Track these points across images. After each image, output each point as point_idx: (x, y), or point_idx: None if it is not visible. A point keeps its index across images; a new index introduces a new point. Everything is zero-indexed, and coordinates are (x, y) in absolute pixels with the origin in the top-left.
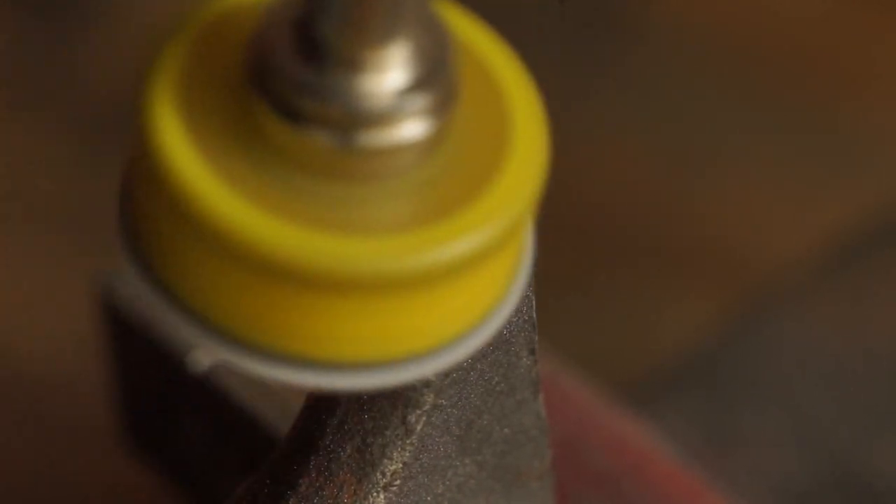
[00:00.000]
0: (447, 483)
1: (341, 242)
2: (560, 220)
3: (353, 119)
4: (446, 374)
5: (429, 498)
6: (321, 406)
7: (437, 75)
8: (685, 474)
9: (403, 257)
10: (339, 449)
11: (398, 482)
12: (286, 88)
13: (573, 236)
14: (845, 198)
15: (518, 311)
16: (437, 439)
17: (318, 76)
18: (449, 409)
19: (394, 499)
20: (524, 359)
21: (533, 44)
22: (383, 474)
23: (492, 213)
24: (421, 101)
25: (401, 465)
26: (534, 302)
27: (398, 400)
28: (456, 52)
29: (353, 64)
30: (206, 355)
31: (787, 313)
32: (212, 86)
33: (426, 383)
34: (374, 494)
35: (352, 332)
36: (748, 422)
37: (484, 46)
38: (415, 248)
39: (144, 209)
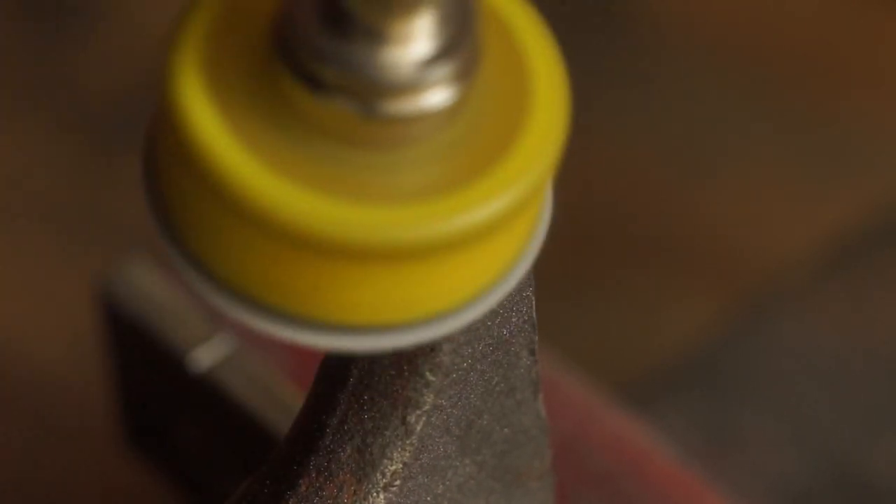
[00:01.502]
0: (447, 483)
1: (364, 210)
2: (560, 219)
3: (377, 88)
4: (446, 374)
5: (429, 498)
6: (321, 406)
7: (461, 43)
8: (685, 474)
9: (425, 224)
10: (339, 449)
11: (398, 482)
12: (311, 57)
13: (573, 236)
14: (845, 198)
15: (518, 311)
16: (437, 439)
17: (342, 46)
18: (449, 409)
19: (394, 499)
20: (524, 359)
21: None
22: (383, 474)
23: (512, 178)
24: (444, 70)
25: (401, 466)
26: (534, 302)
27: (398, 400)
28: (479, 18)
29: (377, 34)
30: (232, 319)
31: (787, 313)
32: (236, 54)
33: (426, 383)
34: (374, 494)
35: (375, 297)
36: (748, 422)
37: (507, 8)
38: (436, 216)
39: (169, 177)
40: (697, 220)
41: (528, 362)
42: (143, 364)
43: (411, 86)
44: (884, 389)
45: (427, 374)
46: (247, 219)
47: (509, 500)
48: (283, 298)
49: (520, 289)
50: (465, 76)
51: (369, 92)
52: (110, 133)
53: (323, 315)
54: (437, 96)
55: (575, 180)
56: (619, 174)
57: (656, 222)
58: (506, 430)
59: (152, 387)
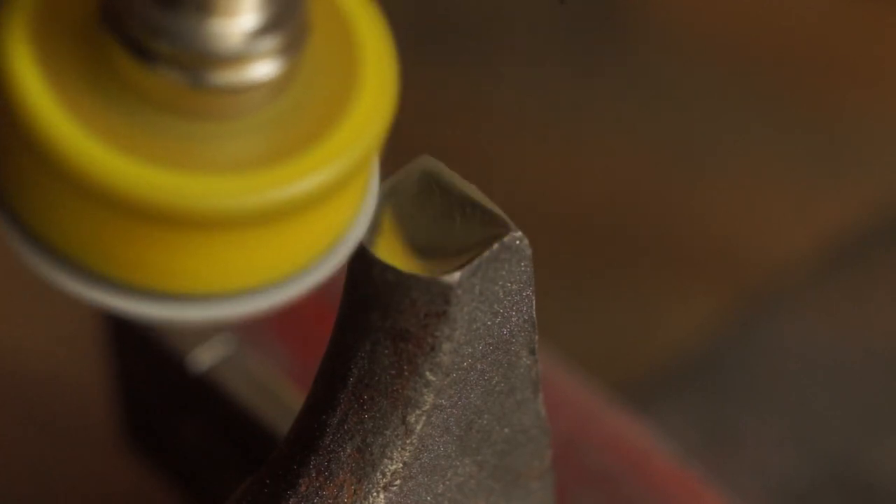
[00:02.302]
0: (447, 483)
1: (189, 178)
2: (560, 220)
3: (204, 59)
4: (446, 374)
5: (429, 498)
6: (321, 406)
7: (288, 17)
8: (684, 474)
9: (249, 194)
10: (339, 449)
11: (398, 482)
12: (139, 28)
13: (573, 236)
14: (845, 198)
15: (518, 310)
16: (437, 439)
17: (170, 16)
18: (449, 409)
19: (394, 499)
20: (524, 359)
21: (533, 44)
22: (383, 474)
23: (336, 152)
24: (271, 42)
25: (401, 465)
26: (534, 302)
27: (398, 400)
28: None
29: (204, 5)
30: (58, 287)
31: (787, 313)
32: (66, 24)
33: (426, 383)
34: (374, 494)
35: (198, 266)
36: (748, 421)
37: None
38: (261, 186)
39: (1, 146)
40: (697, 220)
41: (528, 362)
42: (143, 364)
43: (238, 57)
44: (884, 389)
45: (427, 373)
46: (73, 185)
47: (509, 500)
48: (112, 267)
49: (520, 288)
50: (292, 49)
51: (196, 62)
52: None
53: (152, 283)
54: (263, 68)
55: (575, 180)
56: (619, 174)
57: (656, 222)
58: (506, 429)
59: (152, 387)
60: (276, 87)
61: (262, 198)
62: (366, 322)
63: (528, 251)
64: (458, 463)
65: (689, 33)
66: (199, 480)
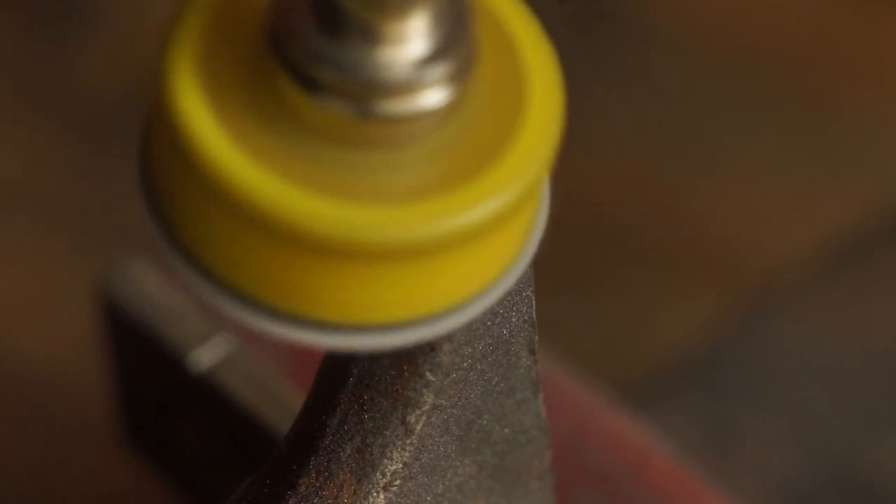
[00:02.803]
0: (447, 483)
1: (360, 210)
2: (560, 220)
3: (372, 89)
4: (446, 374)
5: (429, 498)
6: (321, 406)
7: (456, 44)
8: (684, 474)
9: (421, 224)
10: (339, 449)
11: (398, 482)
12: (305, 57)
13: (573, 236)
14: (845, 198)
15: (518, 310)
16: (437, 439)
17: (337, 46)
18: (449, 409)
19: (394, 499)
20: (524, 359)
21: None
22: (383, 474)
23: (507, 178)
24: (439, 70)
25: (401, 466)
26: (534, 302)
27: (398, 400)
28: (474, 18)
29: (372, 34)
30: (233, 320)
31: (786, 313)
32: (231, 52)
33: (426, 383)
34: (374, 494)
35: (372, 297)
36: (748, 421)
37: (502, 8)
38: (432, 216)
39: (165, 176)
40: (697, 220)
41: (528, 362)
42: (143, 364)
43: (407, 86)
44: (884, 389)
45: (427, 373)
46: (242, 218)
47: (509, 500)
48: (282, 298)
49: (520, 289)
50: (461, 76)
51: (365, 92)
52: (110, 133)
53: (321, 314)
54: (432, 96)
55: (575, 180)
56: (619, 174)
57: (656, 222)
58: (506, 430)
59: (152, 387)
60: (444, 115)
61: (433, 228)
62: None
63: None
64: (458, 463)
65: (689, 34)
66: (199, 480)
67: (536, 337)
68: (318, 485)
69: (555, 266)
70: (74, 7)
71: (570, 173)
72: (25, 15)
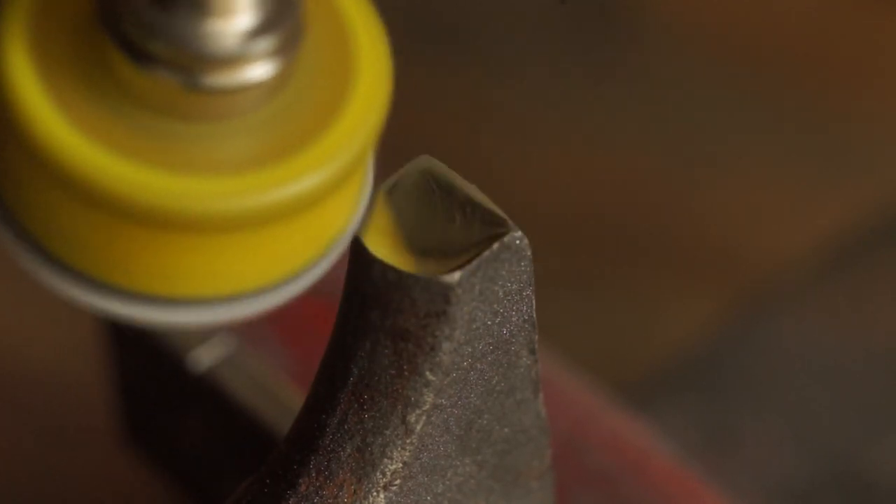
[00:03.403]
0: (447, 483)
1: (185, 181)
2: (560, 219)
3: (200, 61)
4: (446, 374)
5: (429, 498)
6: (321, 406)
7: (283, 18)
8: (684, 473)
9: (245, 196)
10: (339, 449)
11: (398, 482)
12: (135, 29)
13: (573, 236)
14: (845, 198)
15: (518, 310)
16: (437, 439)
17: (166, 18)
18: (449, 409)
19: (394, 498)
20: (524, 359)
21: (533, 44)
22: (383, 474)
23: (332, 152)
24: (266, 43)
25: (401, 465)
26: (534, 302)
27: (398, 400)
28: None
29: (200, 6)
30: (56, 292)
31: (786, 313)
32: (62, 25)
33: (426, 383)
34: (374, 494)
35: (194, 269)
36: (748, 422)
37: None
38: (257, 187)
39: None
40: (697, 220)
41: (528, 362)
42: (143, 364)
43: (234, 58)
44: (884, 389)
45: (427, 373)
46: (67, 187)
47: (509, 500)
48: (108, 270)
49: (520, 288)
50: (287, 50)
51: (192, 64)
52: None
53: (146, 287)
54: (259, 69)
55: (575, 180)
56: (619, 173)
57: (656, 222)
58: (506, 429)
59: (152, 387)
60: (271, 88)
61: (258, 199)
62: (366, 322)
63: (528, 251)
64: (458, 463)
65: (689, 34)
66: (199, 480)
67: (536, 337)
68: (318, 484)
69: (555, 266)
70: None
71: (570, 173)
72: None
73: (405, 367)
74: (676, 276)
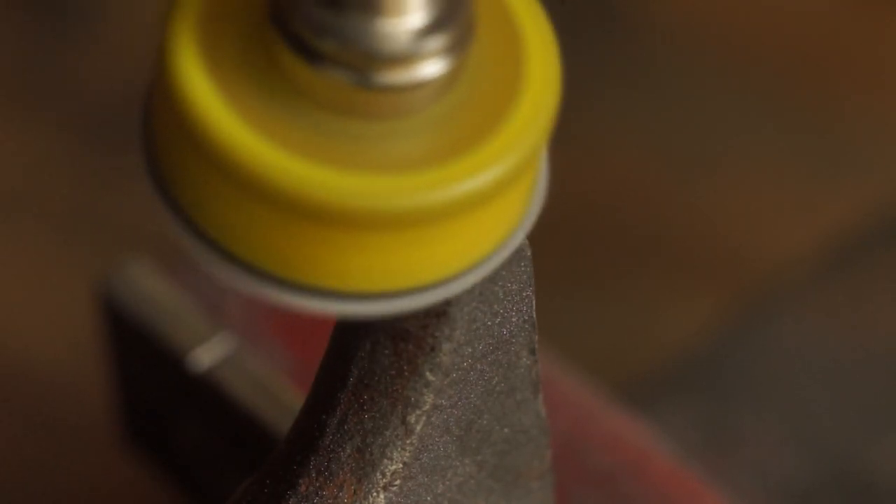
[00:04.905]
0: (447, 483)
1: (359, 178)
2: (560, 219)
3: (372, 60)
4: (446, 374)
5: (429, 498)
6: (321, 406)
7: (454, 15)
8: (684, 473)
9: (419, 193)
10: (339, 449)
11: (398, 482)
12: (306, 28)
13: (573, 236)
14: (845, 198)
15: (518, 311)
16: (437, 439)
17: (337, 17)
18: (449, 409)
19: (394, 499)
20: (524, 359)
21: None
22: (383, 474)
23: (505, 148)
24: (438, 41)
25: (401, 465)
26: (534, 302)
27: (398, 400)
28: None
29: (372, 5)
30: (239, 289)
31: (786, 313)
32: (232, 23)
33: (426, 383)
34: (374, 494)
35: (370, 265)
36: (748, 422)
37: None
38: (430, 185)
39: (166, 143)
40: (697, 220)
41: (528, 362)
42: (143, 364)
43: (406, 56)
44: (884, 389)
45: (427, 373)
46: (245, 188)
47: (509, 500)
48: (284, 266)
49: (520, 288)
50: (460, 47)
51: (364, 63)
52: (110, 133)
53: (321, 282)
54: (431, 67)
55: (575, 180)
56: (619, 173)
57: (656, 222)
58: (506, 429)
59: (152, 387)
60: (443, 85)
61: (431, 197)
62: (366, 322)
63: (528, 251)
64: (458, 463)
65: (690, 33)
66: (199, 480)
67: (536, 337)
68: (318, 485)
69: (555, 266)
70: (75, 9)
71: (570, 173)
72: (26, 16)
73: (405, 367)
74: (676, 276)
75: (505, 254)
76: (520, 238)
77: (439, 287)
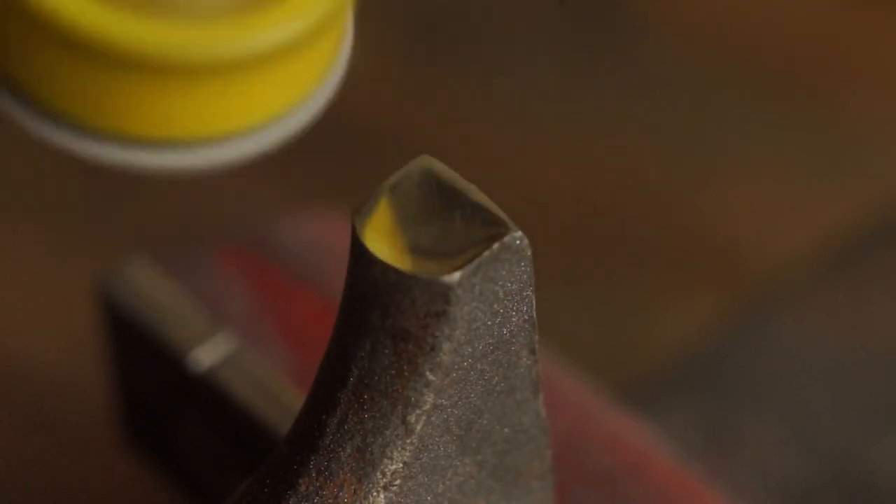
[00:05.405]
0: (447, 483)
1: (164, 27)
2: (560, 219)
3: None
4: (446, 374)
5: (429, 498)
6: (321, 406)
7: None
8: (684, 473)
9: (224, 42)
10: (339, 449)
11: (398, 482)
12: None
13: (573, 235)
14: (845, 198)
15: (518, 310)
16: (437, 439)
17: None
18: (449, 409)
19: (394, 499)
20: (524, 359)
21: (534, 42)
22: (383, 474)
23: (307, 4)
24: None
25: (401, 465)
26: (534, 302)
27: (398, 400)
28: None
29: None
30: (42, 138)
31: (786, 313)
32: None
33: (426, 383)
34: (374, 494)
35: (175, 112)
36: (748, 422)
37: None
38: (235, 34)
39: None
40: (697, 220)
41: (528, 362)
42: (143, 364)
43: None
44: (884, 389)
45: (427, 373)
46: (51, 35)
47: (509, 500)
48: (93, 116)
49: (520, 288)
50: None
51: None
52: None
53: (129, 130)
54: None
55: (575, 180)
56: (619, 173)
57: (656, 222)
58: (506, 429)
59: (152, 387)
60: None
61: (236, 46)
62: (366, 322)
63: (528, 251)
64: (458, 463)
65: (690, 33)
66: (199, 480)
67: (536, 337)
68: (318, 484)
69: (555, 266)
70: None
71: (570, 173)
72: None
73: (405, 367)
74: (676, 276)
75: (309, 111)
76: (321, 102)
77: (240, 140)
